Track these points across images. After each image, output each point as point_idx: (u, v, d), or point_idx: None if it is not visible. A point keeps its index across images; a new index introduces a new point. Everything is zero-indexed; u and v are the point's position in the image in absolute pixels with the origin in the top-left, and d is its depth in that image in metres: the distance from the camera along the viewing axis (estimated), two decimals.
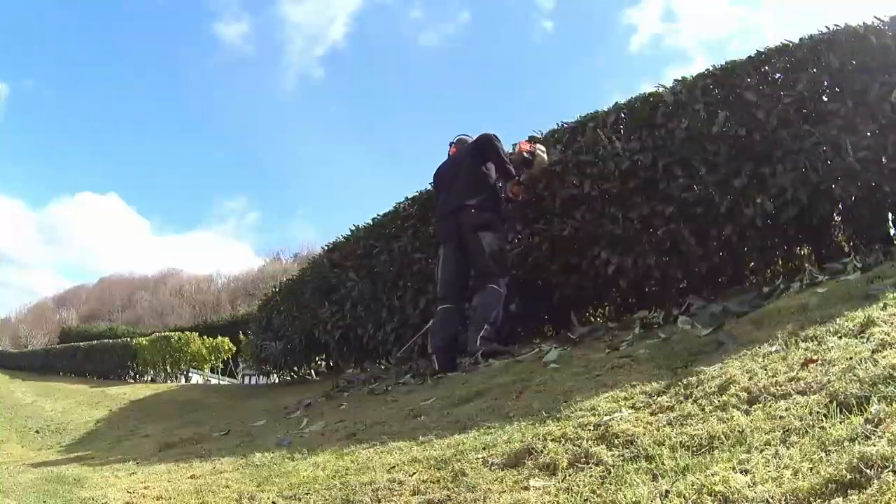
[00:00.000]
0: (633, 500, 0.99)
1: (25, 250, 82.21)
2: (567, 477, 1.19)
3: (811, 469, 0.90)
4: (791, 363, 1.40)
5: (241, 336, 10.64)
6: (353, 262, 5.50)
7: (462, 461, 1.39)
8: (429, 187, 4.58)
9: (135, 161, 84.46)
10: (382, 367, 4.39)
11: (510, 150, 3.80)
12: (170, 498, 1.67)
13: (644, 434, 1.27)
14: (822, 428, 1.02)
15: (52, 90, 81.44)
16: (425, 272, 4.48)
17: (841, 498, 0.81)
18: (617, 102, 3.75)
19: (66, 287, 61.73)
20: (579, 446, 1.29)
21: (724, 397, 1.32)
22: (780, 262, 3.35)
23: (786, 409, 1.16)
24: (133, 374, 12.62)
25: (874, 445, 0.88)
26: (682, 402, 1.40)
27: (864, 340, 1.40)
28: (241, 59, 78.16)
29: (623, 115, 3.68)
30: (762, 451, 1.03)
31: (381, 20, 79.47)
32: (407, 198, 5.08)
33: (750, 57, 3.27)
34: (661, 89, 3.52)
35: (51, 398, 8.96)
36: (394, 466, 1.50)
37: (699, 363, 1.71)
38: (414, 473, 1.41)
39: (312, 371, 7.37)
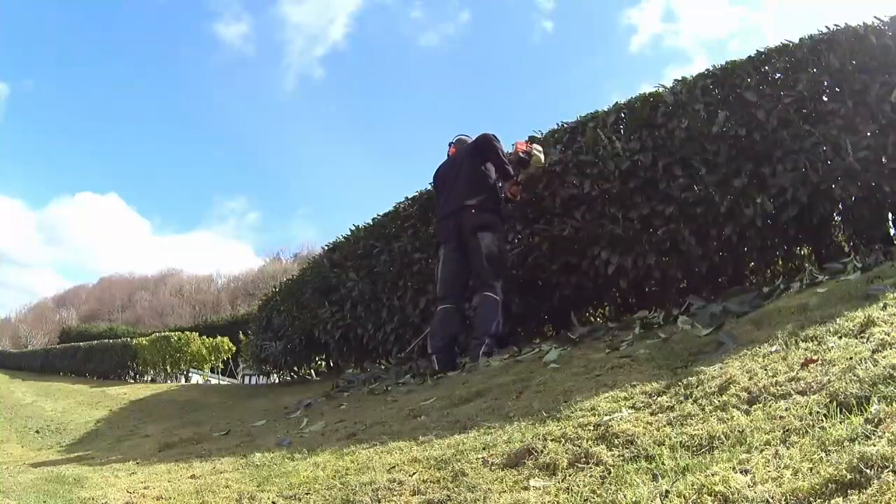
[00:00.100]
0: (633, 500, 0.99)
1: (25, 250, 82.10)
2: (567, 477, 1.19)
3: (811, 469, 0.90)
4: (791, 363, 1.40)
5: (241, 336, 10.65)
6: (353, 262, 5.50)
7: (462, 461, 1.39)
8: (429, 187, 4.58)
9: (135, 161, 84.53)
10: (382, 367, 4.38)
11: (509, 150, 3.80)
12: (170, 498, 1.67)
13: (644, 434, 1.27)
14: (822, 428, 1.02)
15: (52, 90, 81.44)
16: (425, 272, 4.48)
17: (841, 498, 0.81)
18: (617, 102, 3.76)
19: (66, 287, 61.85)
20: (579, 446, 1.29)
21: (724, 397, 1.32)
22: (780, 262, 3.35)
23: (786, 409, 1.16)
24: (133, 374, 12.62)
25: (874, 445, 0.88)
26: (682, 402, 1.40)
27: (864, 340, 1.40)
28: (241, 59, 78.20)
29: (623, 115, 3.68)
30: (762, 451, 1.03)
31: (381, 20, 79.52)
32: (407, 198, 5.09)
33: (750, 57, 3.27)
34: (661, 89, 3.52)
35: (51, 398, 8.96)
36: (394, 466, 1.50)
37: (699, 363, 1.71)
38: (414, 473, 1.41)
39: (312, 371, 7.38)
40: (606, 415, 1.45)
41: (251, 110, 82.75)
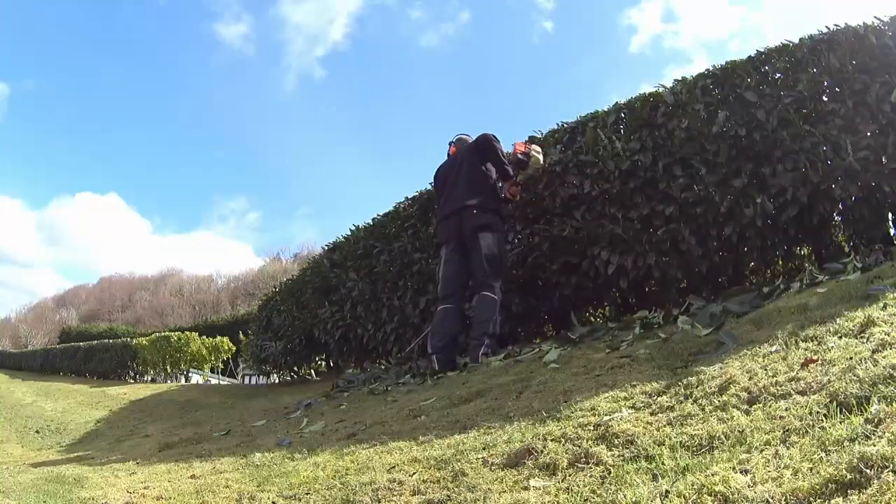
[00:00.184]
0: (633, 500, 0.99)
1: (25, 250, 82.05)
2: (567, 477, 1.19)
3: (811, 469, 0.90)
4: (791, 363, 1.40)
5: (241, 336, 10.65)
6: (353, 262, 5.51)
7: (462, 461, 1.39)
8: (429, 187, 4.58)
9: (135, 161, 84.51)
10: (382, 367, 4.38)
11: (509, 150, 3.80)
12: (170, 498, 1.67)
13: (644, 434, 1.27)
14: (822, 428, 1.02)
15: (52, 90, 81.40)
16: (425, 272, 4.48)
17: (841, 498, 0.81)
18: (617, 102, 3.76)
19: (66, 287, 61.80)
20: (579, 446, 1.29)
21: (724, 397, 1.32)
22: (780, 262, 3.35)
23: (786, 409, 1.16)
24: (133, 374, 12.62)
25: (874, 445, 0.88)
26: (682, 402, 1.40)
27: (864, 340, 1.40)
28: (241, 59, 78.10)
29: (623, 115, 3.69)
30: (762, 451, 1.03)
31: (381, 20, 79.44)
32: (407, 198, 5.09)
33: (750, 57, 3.27)
34: (661, 89, 3.52)
35: (51, 398, 8.96)
36: (394, 466, 1.50)
37: (699, 363, 1.71)
38: (414, 473, 1.41)
39: (312, 371, 7.39)
40: (606, 415, 1.45)
41: (251, 110, 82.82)
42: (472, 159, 3.67)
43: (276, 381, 7.86)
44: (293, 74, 79.19)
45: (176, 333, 12.72)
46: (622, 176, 3.42)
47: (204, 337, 12.54)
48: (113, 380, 12.39)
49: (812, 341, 1.52)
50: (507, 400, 1.97)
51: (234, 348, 12.18)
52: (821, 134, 2.90)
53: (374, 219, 5.50)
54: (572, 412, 1.55)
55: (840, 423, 1.02)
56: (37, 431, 5.48)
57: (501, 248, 3.58)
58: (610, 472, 1.14)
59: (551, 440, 1.36)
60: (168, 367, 12.09)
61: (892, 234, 3.04)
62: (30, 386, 11.75)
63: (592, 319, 3.93)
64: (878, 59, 2.90)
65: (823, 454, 0.93)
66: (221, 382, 13.15)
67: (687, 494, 0.94)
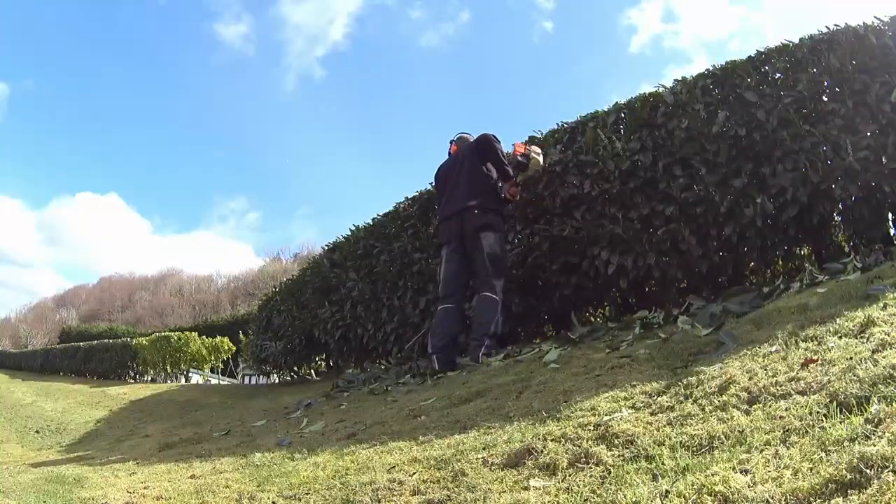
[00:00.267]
0: (633, 500, 0.99)
1: (25, 250, 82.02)
2: (567, 477, 1.19)
3: (811, 469, 0.90)
4: (791, 363, 1.40)
5: (241, 336, 10.66)
6: (353, 262, 5.51)
7: (462, 461, 1.39)
8: (429, 187, 4.58)
9: (135, 161, 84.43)
10: (382, 367, 4.38)
11: (509, 150, 3.80)
12: (170, 498, 1.67)
13: (644, 434, 1.27)
14: (822, 428, 1.02)
15: (52, 90, 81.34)
16: (425, 272, 4.48)
17: (841, 498, 0.81)
18: (617, 102, 3.76)
19: (66, 287, 61.79)
20: (579, 446, 1.29)
21: (724, 397, 1.32)
22: (780, 262, 3.35)
23: (786, 409, 1.16)
24: (133, 374, 12.62)
25: (874, 445, 0.88)
26: (682, 402, 1.40)
27: (864, 340, 1.40)
28: (241, 59, 78.04)
29: (623, 115, 3.69)
30: (762, 451, 1.03)
31: (381, 20, 79.38)
32: (407, 198, 5.09)
33: (750, 57, 3.27)
34: (661, 89, 3.52)
35: (51, 398, 8.95)
36: (394, 466, 1.50)
37: (699, 363, 1.71)
38: (414, 473, 1.41)
39: (312, 371, 7.39)
40: (606, 415, 1.45)
41: (251, 110, 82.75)
42: (473, 159, 3.67)
43: (276, 381, 7.86)
44: (293, 74, 79.21)
45: (176, 333, 12.72)
46: (622, 176, 3.42)
47: (204, 337, 12.54)
48: (113, 380, 12.39)
49: (812, 341, 1.52)
50: (507, 400, 1.97)
51: (234, 348, 12.18)
52: (821, 134, 2.90)
53: (374, 219, 5.50)
54: (572, 412, 1.55)
55: (840, 423, 1.02)
56: (37, 431, 5.48)
57: (503, 248, 3.58)
58: (610, 472, 1.14)
59: (551, 440, 1.36)
60: (168, 367, 12.09)
61: (892, 234, 3.04)
62: (30, 386, 11.75)
63: (592, 319, 3.93)
64: (878, 59, 2.90)
65: (823, 454, 0.93)
66: (221, 382, 13.15)
67: (687, 494, 0.94)
